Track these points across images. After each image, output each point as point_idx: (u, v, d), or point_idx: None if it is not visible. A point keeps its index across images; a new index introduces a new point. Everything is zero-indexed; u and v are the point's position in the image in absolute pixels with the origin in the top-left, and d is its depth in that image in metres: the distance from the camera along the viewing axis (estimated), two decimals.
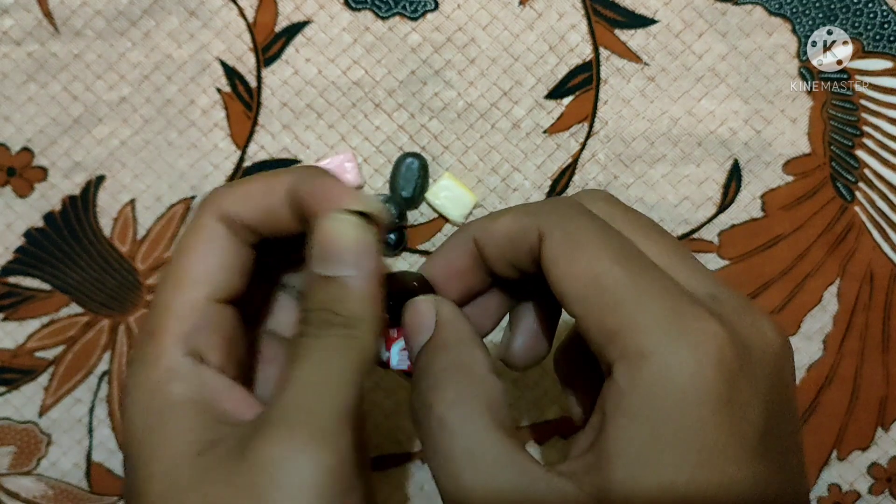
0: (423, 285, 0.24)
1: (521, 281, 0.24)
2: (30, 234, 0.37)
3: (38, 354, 0.37)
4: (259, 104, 0.37)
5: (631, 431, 0.18)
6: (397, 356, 0.25)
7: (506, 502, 0.19)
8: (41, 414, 0.38)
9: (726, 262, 0.37)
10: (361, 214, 0.22)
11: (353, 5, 0.36)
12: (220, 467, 0.19)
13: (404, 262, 0.37)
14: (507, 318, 0.26)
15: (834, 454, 0.38)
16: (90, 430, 0.38)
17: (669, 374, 0.18)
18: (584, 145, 0.37)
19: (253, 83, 0.37)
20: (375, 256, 0.22)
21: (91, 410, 0.38)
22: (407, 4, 0.36)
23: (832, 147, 0.37)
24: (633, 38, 0.36)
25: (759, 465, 0.19)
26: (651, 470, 0.18)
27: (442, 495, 0.21)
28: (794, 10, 0.36)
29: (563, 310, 0.22)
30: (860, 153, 0.37)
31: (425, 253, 0.37)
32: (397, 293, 0.24)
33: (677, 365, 0.18)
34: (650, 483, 0.18)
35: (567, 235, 0.21)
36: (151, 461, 0.20)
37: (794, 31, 0.37)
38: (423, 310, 0.23)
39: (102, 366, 0.38)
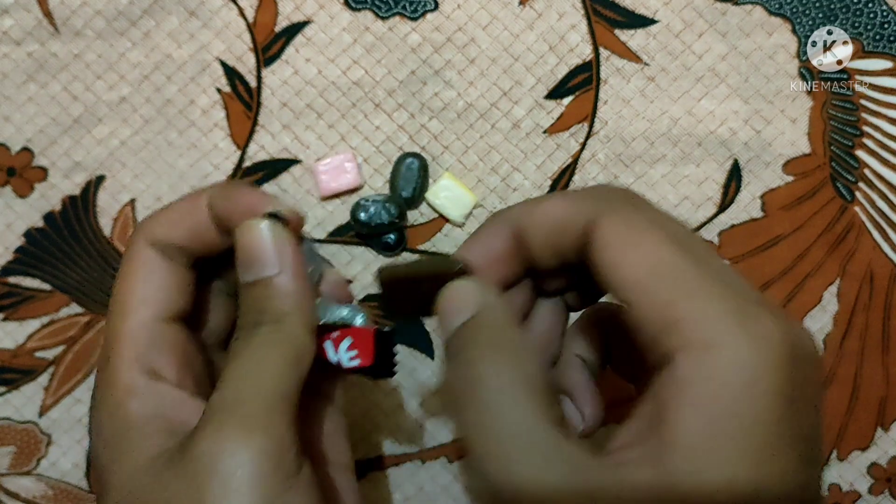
0: (461, 269, 0.23)
1: (549, 274, 0.24)
2: (30, 234, 0.37)
3: (39, 354, 0.37)
4: (259, 104, 0.37)
5: (696, 422, 0.18)
6: (346, 355, 0.25)
7: (561, 495, 0.18)
8: (41, 414, 0.38)
9: (726, 263, 0.37)
10: (275, 217, 0.23)
11: (353, 5, 0.36)
12: (168, 469, 0.21)
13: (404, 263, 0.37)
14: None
15: (834, 454, 0.38)
16: (90, 430, 0.38)
17: (737, 368, 0.18)
18: (584, 145, 0.37)
19: (253, 83, 0.37)
20: (293, 253, 0.23)
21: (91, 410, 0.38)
22: (407, 4, 0.36)
23: (832, 147, 0.37)
24: (633, 38, 0.36)
25: (809, 467, 0.19)
26: (715, 462, 0.18)
27: (483, 483, 0.20)
28: (794, 10, 0.36)
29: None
30: (860, 153, 0.37)
31: (425, 253, 0.37)
32: (433, 277, 0.23)
33: (745, 359, 0.18)
34: (714, 475, 0.18)
35: (625, 221, 0.21)
36: (112, 474, 0.22)
37: (794, 31, 0.37)
38: (464, 291, 0.22)
39: None
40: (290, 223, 0.24)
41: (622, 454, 0.19)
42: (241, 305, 0.23)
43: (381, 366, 0.25)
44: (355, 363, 0.25)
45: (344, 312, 0.26)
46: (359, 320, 0.26)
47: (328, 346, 0.25)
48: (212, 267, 0.26)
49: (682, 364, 0.19)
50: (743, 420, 0.18)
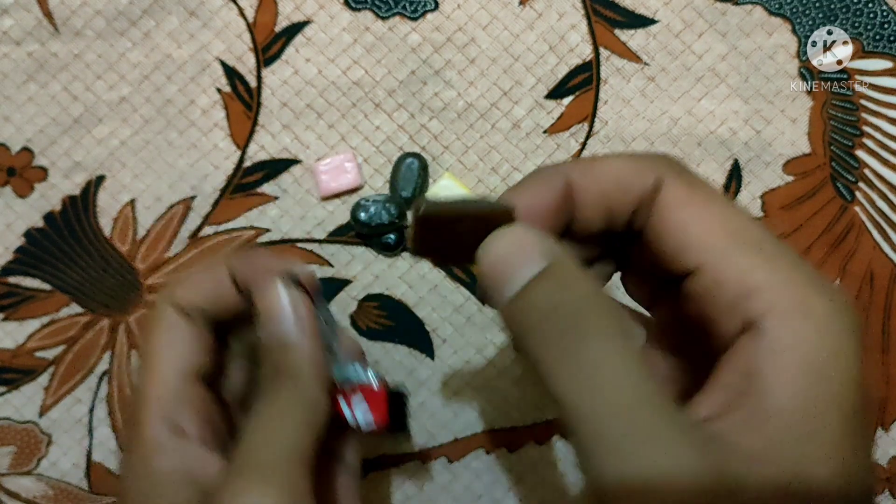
0: (506, 214, 0.20)
1: (582, 240, 0.22)
2: (30, 234, 0.37)
3: (39, 354, 0.37)
4: (259, 104, 0.37)
5: (795, 387, 0.17)
6: (360, 413, 0.26)
7: (695, 480, 0.17)
8: (41, 414, 0.38)
9: None
10: (292, 280, 0.25)
11: (353, 5, 0.36)
12: None
13: (404, 263, 0.37)
14: None
15: None
16: (90, 430, 0.38)
17: (828, 334, 0.18)
18: (584, 145, 0.37)
19: (253, 83, 0.37)
20: (308, 314, 0.24)
21: (91, 410, 0.38)
22: (407, 4, 0.36)
23: (832, 147, 0.37)
24: (633, 38, 0.36)
25: (869, 450, 0.19)
26: (815, 429, 0.17)
27: (599, 468, 0.17)
28: (794, 10, 0.36)
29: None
30: (860, 153, 0.37)
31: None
32: (478, 219, 0.20)
33: (835, 326, 0.18)
34: (816, 443, 0.17)
35: (691, 185, 0.20)
36: None
37: (794, 31, 0.37)
38: (527, 237, 0.19)
39: (102, 365, 0.38)
40: (305, 286, 0.25)
41: (714, 426, 0.18)
42: (261, 363, 0.24)
43: (395, 423, 0.26)
44: (370, 419, 0.26)
45: (357, 371, 0.27)
46: (372, 380, 0.27)
47: (343, 404, 0.26)
48: (231, 328, 0.27)
49: (773, 329, 0.18)
50: (834, 386, 0.17)
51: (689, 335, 0.21)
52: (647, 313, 0.25)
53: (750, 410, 0.18)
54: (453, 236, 0.20)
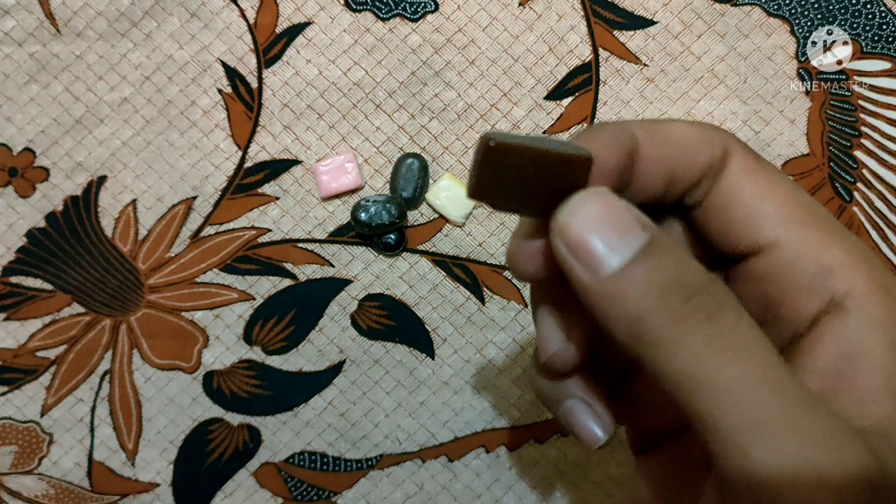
0: (585, 161, 0.17)
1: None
2: (31, 235, 0.37)
3: (40, 354, 0.38)
4: (260, 105, 0.37)
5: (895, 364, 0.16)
6: None
7: (840, 477, 0.15)
8: (43, 413, 0.38)
9: None
10: None
11: (354, 6, 0.36)
12: None
13: (405, 263, 0.37)
14: None
15: None
16: (92, 430, 0.38)
17: None
18: None
19: (254, 84, 0.37)
20: None
21: (93, 410, 0.38)
22: (407, 6, 0.36)
23: (831, 148, 0.37)
24: (632, 40, 0.37)
25: None
26: None
27: (742, 454, 0.15)
28: (793, 10, 0.37)
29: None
30: (858, 154, 0.37)
31: (425, 253, 0.37)
32: (556, 161, 0.17)
33: None
34: None
35: (759, 159, 0.19)
36: None
37: (792, 32, 0.37)
38: (619, 205, 0.17)
39: (104, 365, 0.38)
40: None
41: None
42: None
43: None
44: None
45: None
46: None
47: None
48: None
49: (864, 306, 0.17)
50: None
51: None
52: None
53: (858, 392, 0.17)
54: (520, 179, 0.17)
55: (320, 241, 0.37)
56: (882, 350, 0.17)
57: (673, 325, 0.16)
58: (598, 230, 0.16)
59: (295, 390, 0.38)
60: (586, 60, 0.37)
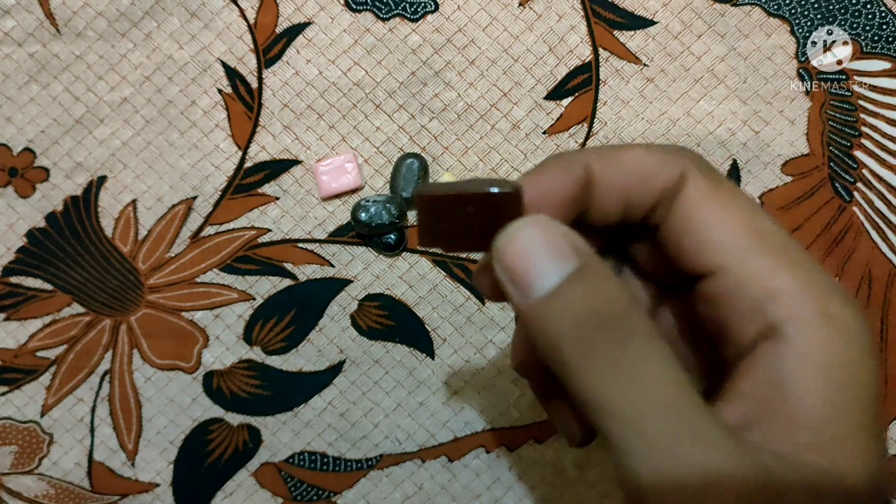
0: (514, 195, 0.18)
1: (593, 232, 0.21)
2: (32, 235, 0.37)
3: (40, 354, 0.38)
4: (260, 105, 0.37)
5: (825, 396, 0.17)
6: None
7: (705, 437, 0.17)
8: (43, 413, 0.38)
9: None
10: None
11: (354, 6, 0.36)
12: None
13: (405, 263, 0.37)
14: None
15: None
16: (92, 430, 0.38)
17: (853, 341, 0.18)
18: (583, 146, 0.37)
19: (254, 84, 0.37)
20: None
21: (93, 410, 0.38)
22: (407, 6, 0.36)
23: (830, 148, 0.37)
24: (632, 40, 0.37)
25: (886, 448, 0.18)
26: (844, 433, 0.17)
27: (639, 466, 0.17)
28: (793, 10, 0.37)
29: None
30: (858, 154, 0.37)
31: (425, 253, 0.37)
32: (482, 200, 0.18)
33: (858, 331, 0.18)
34: (847, 446, 0.17)
35: (716, 182, 0.19)
36: None
37: (792, 32, 0.37)
38: (554, 232, 0.18)
39: (104, 365, 0.38)
40: None
41: (746, 434, 0.18)
42: None
43: None
44: None
45: None
46: None
47: None
48: None
49: (798, 336, 0.17)
50: (859, 391, 0.17)
51: (696, 338, 0.21)
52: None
53: (783, 419, 0.17)
54: (460, 220, 0.18)
55: (320, 241, 0.37)
56: (811, 379, 0.17)
57: (582, 352, 0.17)
58: (528, 257, 0.18)
59: (295, 390, 0.38)
60: (586, 60, 0.37)
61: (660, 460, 0.16)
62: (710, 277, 0.19)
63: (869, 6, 0.36)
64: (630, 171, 0.20)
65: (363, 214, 0.36)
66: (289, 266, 0.37)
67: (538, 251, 0.18)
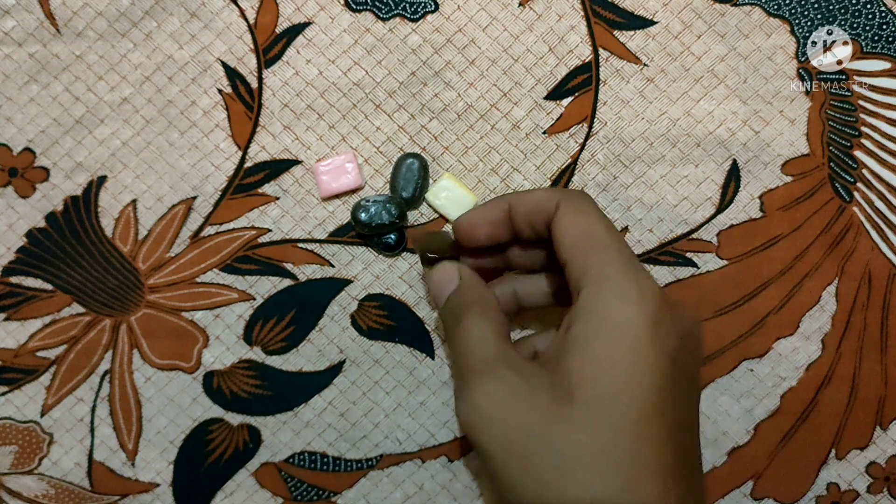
0: (452, 249, 0.33)
1: (527, 246, 0.33)
2: (32, 235, 0.37)
3: (40, 354, 0.38)
4: (260, 105, 0.37)
5: (588, 334, 0.26)
6: None
7: (496, 372, 0.27)
8: (43, 413, 0.38)
9: (725, 263, 0.38)
10: None
11: (354, 6, 0.36)
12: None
13: (405, 263, 0.37)
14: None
15: (832, 453, 0.38)
16: (92, 430, 0.38)
17: (622, 299, 0.26)
18: (583, 146, 0.37)
19: (254, 84, 0.37)
20: None
21: (93, 410, 0.38)
22: (407, 6, 0.36)
23: (830, 148, 0.37)
24: (632, 40, 0.37)
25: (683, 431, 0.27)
26: (600, 365, 0.25)
27: (455, 367, 0.29)
28: (793, 10, 0.37)
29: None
30: (858, 154, 0.37)
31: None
32: (433, 251, 0.33)
33: (631, 294, 0.26)
34: (599, 373, 0.25)
35: (575, 206, 0.29)
36: None
37: (792, 32, 0.37)
38: (450, 269, 0.32)
39: (104, 365, 0.38)
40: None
41: (544, 355, 0.28)
42: None
43: None
44: None
45: None
46: None
47: None
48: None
49: (584, 294, 0.27)
50: (613, 334, 0.26)
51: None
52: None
53: (559, 346, 0.27)
54: (436, 247, 0.33)
55: (320, 241, 0.37)
56: (581, 325, 0.26)
57: (446, 325, 0.31)
58: (439, 282, 0.32)
59: (295, 390, 0.38)
60: (586, 60, 0.37)
61: (472, 396, 0.27)
62: (565, 267, 0.29)
63: (869, 6, 0.36)
64: (531, 204, 0.30)
65: (363, 214, 0.36)
66: (289, 266, 0.37)
67: (442, 278, 0.32)
